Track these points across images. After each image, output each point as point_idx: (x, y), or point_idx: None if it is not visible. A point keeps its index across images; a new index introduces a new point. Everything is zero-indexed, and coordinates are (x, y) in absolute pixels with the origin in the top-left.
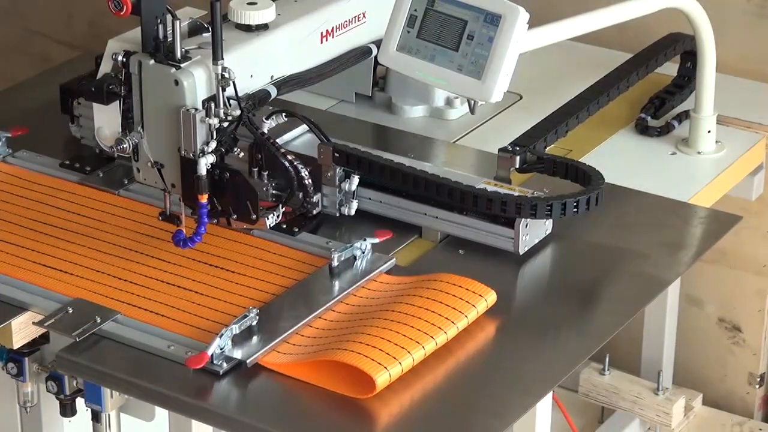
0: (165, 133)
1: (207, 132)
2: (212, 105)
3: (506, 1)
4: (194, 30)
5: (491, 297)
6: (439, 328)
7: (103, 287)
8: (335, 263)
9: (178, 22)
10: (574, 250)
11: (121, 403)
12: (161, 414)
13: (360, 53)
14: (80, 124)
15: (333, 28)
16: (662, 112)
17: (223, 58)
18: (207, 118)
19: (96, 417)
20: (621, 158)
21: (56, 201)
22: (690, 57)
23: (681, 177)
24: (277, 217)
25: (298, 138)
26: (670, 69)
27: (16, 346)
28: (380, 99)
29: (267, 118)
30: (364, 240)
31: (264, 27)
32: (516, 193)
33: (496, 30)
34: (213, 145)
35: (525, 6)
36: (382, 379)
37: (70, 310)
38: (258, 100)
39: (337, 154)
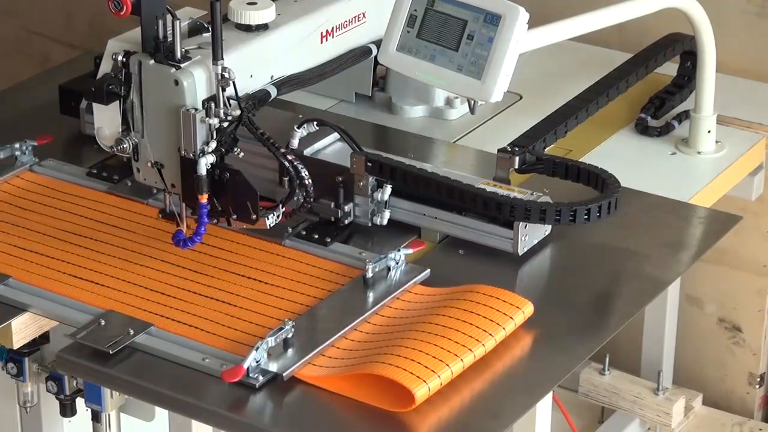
0: (165, 133)
1: (207, 132)
2: (212, 105)
3: (506, 1)
4: (194, 30)
5: (528, 308)
6: (477, 340)
7: (135, 299)
8: (370, 274)
9: (178, 22)
10: (573, 250)
11: (120, 403)
12: (161, 414)
13: (360, 53)
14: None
15: (333, 28)
16: (662, 112)
17: (223, 58)
18: (207, 118)
19: (96, 417)
20: (621, 158)
21: (84, 210)
22: (690, 57)
23: (681, 177)
24: (277, 217)
25: (329, 146)
26: (670, 69)
27: (16, 347)
28: (380, 99)
29: (298, 127)
30: (398, 250)
31: (264, 27)
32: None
33: (496, 30)
34: (213, 145)
35: (525, 6)
36: (421, 393)
37: (103, 323)
38: (258, 100)
39: (369, 164)
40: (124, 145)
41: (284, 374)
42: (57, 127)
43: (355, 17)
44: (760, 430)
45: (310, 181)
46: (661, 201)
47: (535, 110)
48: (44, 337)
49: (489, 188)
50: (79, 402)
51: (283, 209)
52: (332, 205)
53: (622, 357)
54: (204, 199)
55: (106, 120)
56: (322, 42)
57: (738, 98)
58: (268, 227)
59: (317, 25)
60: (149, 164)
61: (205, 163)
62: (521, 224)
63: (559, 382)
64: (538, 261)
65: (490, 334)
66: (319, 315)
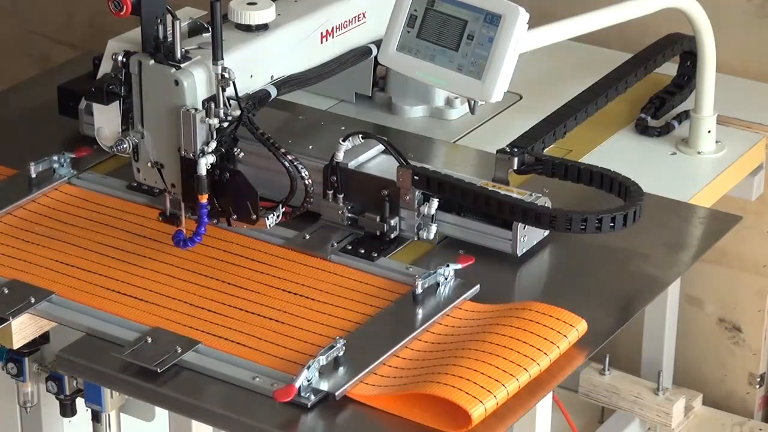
0: (165, 133)
1: (207, 132)
2: (212, 105)
3: (506, 1)
4: (194, 30)
5: (582, 326)
6: (532, 359)
7: (182, 316)
8: (419, 291)
9: (178, 22)
10: (572, 250)
11: (120, 403)
12: (161, 414)
13: (360, 53)
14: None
15: (333, 28)
16: (662, 112)
17: (223, 58)
18: (207, 118)
19: (96, 417)
20: (621, 158)
21: (125, 224)
22: (689, 56)
23: (681, 177)
24: (277, 217)
25: (373, 159)
26: (670, 69)
27: (16, 346)
28: (380, 99)
29: (344, 140)
30: (447, 266)
31: (264, 27)
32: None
33: (496, 30)
34: (213, 145)
35: (525, 6)
36: (477, 413)
37: (150, 340)
38: (258, 100)
39: (416, 177)
40: (124, 145)
41: (336, 393)
42: (56, 127)
43: (355, 17)
44: (761, 430)
45: (310, 180)
46: (661, 201)
47: (535, 110)
48: (44, 337)
49: (490, 188)
50: (79, 402)
51: (283, 209)
52: (377, 219)
53: (622, 357)
54: (204, 199)
55: (106, 120)
56: (322, 42)
57: (738, 98)
58: (268, 227)
59: (317, 25)
60: (149, 164)
61: (205, 163)
62: (520, 225)
63: (559, 382)
64: (538, 262)
65: (545, 353)
66: (369, 332)
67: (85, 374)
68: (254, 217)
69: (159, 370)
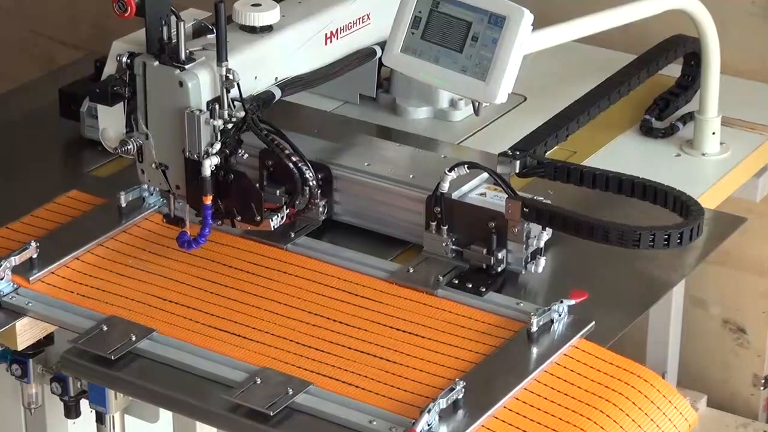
0: (169, 134)
1: (211, 133)
2: (216, 106)
3: (510, 2)
4: (198, 31)
5: (692, 418)
6: None
7: (289, 355)
8: (534, 328)
9: (182, 23)
10: (577, 252)
11: (125, 404)
12: (165, 416)
13: (364, 55)
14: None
15: (337, 29)
16: (667, 114)
17: (227, 60)
18: (211, 120)
19: (100, 419)
20: (625, 160)
21: (220, 256)
22: (693, 57)
23: (685, 178)
24: (282, 219)
25: (475, 189)
26: (674, 70)
27: (20, 348)
28: (384, 100)
29: (450, 171)
30: (561, 302)
31: (268, 28)
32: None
33: (501, 31)
34: (217, 146)
35: (529, 7)
36: None
37: (259, 381)
38: (262, 101)
39: (526, 209)
40: (129, 147)
41: None
42: (57, 130)
43: (359, 19)
44: (765, 431)
45: (314, 182)
46: None
47: (540, 112)
48: (49, 339)
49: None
50: (84, 403)
51: (288, 211)
52: (484, 251)
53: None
54: (208, 200)
55: (110, 121)
56: (326, 43)
57: (742, 100)
58: (273, 228)
59: (322, 27)
60: (153, 166)
61: (209, 165)
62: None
63: None
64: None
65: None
66: (486, 373)
67: (90, 376)
68: (258, 218)
69: (271, 414)
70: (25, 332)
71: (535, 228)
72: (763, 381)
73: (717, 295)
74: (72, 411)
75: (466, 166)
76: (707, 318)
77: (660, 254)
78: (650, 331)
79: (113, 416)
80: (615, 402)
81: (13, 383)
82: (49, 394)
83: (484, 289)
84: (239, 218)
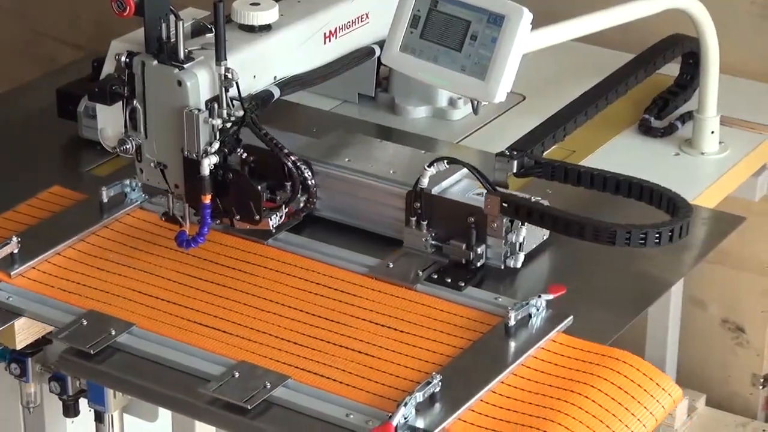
0: (168, 133)
1: (210, 133)
2: (215, 105)
3: (509, 1)
4: (197, 30)
5: (677, 394)
6: (627, 426)
7: (268, 349)
8: (512, 323)
9: (181, 22)
10: (574, 251)
11: (124, 403)
12: (164, 414)
13: (363, 54)
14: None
15: (336, 28)
16: (666, 113)
17: (226, 59)
18: (210, 119)
19: (99, 417)
20: (624, 159)
21: (200, 251)
22: (692, 57)
23: (684, 178)
24: (280, 218)
25: (456, 185)
26: (673, 70)
27: (19, 347)
28: (383, 99)
29: (429, 166)
30: (539, 296)
31: (267, 28)
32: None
33: (500, 30)
34: (216, 145)
35: (528, 7)
36: None
37: (237, 374)
38: (261, 100)
39: (505, 204)
40: (127, 146)
41: (436, 431)
42: (55, 130)
43: (358, 18)
44: (764, 430)
45: (313, 182)
46: None
47: (539, 111)
48: (47, 338)
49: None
50: (82, 402)
51: (286, 210)
52: (463, 246)
53: None
54: (207, 199)
55: (109, 120)
56: (325, 43)
57: (741, 99)
58: (272, 228)
59: (320, 26)
60: (152, 165)
61: (208, 164)
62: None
63: None
64: (539, 263)
65: (639, 420)
66: (463, 367)
67: (88, 374)
68: (257, 217)
69: (249, 407)
70: (24, 331)
71: (514, 223)
72: (762, 380)
73: (716, 294)
74: (70, 410)
75: (445, 161)
76: (706, 317)
77: (658, 254)
78: (649, 331)
79: (112, 415)
80: (596, 386)
81: (12, 382)
82: (48, 393)
83: (463, 284)
84: (238, 217)
